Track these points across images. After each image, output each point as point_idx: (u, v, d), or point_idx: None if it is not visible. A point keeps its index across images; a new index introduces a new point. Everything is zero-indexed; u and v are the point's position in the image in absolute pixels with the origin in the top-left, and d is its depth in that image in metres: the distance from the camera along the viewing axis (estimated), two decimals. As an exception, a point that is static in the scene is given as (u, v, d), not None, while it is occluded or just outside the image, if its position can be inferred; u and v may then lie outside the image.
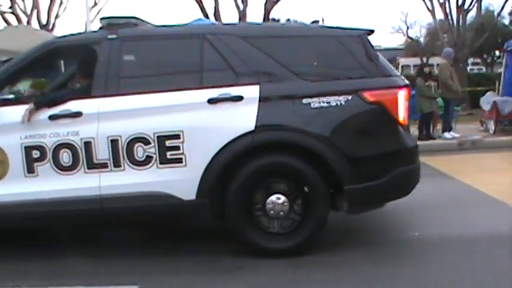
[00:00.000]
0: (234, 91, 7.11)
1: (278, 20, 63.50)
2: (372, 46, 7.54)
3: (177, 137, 7.04)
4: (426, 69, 18.93)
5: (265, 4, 30.66)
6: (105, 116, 7.17)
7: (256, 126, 6.98)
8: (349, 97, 7.08)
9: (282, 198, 7.14)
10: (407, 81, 7.78)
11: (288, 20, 67.27)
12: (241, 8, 30.53)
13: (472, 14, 34.89)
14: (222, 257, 7.29)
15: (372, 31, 7.86)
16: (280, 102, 7.14)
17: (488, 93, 21.66)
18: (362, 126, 7.25)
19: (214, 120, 7.07)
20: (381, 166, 7.19)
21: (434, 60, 49.86)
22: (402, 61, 58.19)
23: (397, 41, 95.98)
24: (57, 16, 37.19)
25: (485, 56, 57.91)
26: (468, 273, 6.46)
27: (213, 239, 8.18)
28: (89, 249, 8.02)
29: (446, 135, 18.23)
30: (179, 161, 7.07)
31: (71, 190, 7.16)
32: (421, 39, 67.12)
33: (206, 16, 28.92)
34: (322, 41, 7.61)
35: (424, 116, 18.16)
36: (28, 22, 35.85)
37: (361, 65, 7.37)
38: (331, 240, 7.77)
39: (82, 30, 29.02)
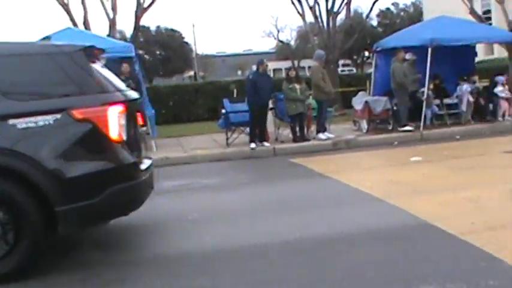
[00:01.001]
0: None
1: (148, 28, 63.28)
2: (88, 62, 7.37)
3: None
4: (291, 73, 19.06)
5: (136, 11, 30.28)
6: None
7: None
8: (58, 116, 6.88)
9: None
10: (130, 97, 7.73)
11: (158, 27, 67.12)
12: (111, 15, 30.04)
13: (342, 16, 35.55)
14: (100, 271, 7.06)
15: (91, 47, 7.75)
16: None
17: (360, 93, 22.08)
18: (72, 145, 6.98)
19: None
20: (95, 185, 7.01)
21: (306, 63, 50.76)
22: (272, 65, 58.84)
23: (269, 44, 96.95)
24: None
25: (355, 57, 59.55)
26: (351, 268, 6.53)
27: (91, 251, 7.98)
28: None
29: (321, 136, 18.44)
30: None
31: None
32: (292, 43, 68.22)
33: (75, 25, 28.33)
34: (33, 59, 7.33)
35: (292, 118, 18.27)
36: None
37: (74, 82, 7.18)
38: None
39: None
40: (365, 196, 10.31)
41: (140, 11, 30.19)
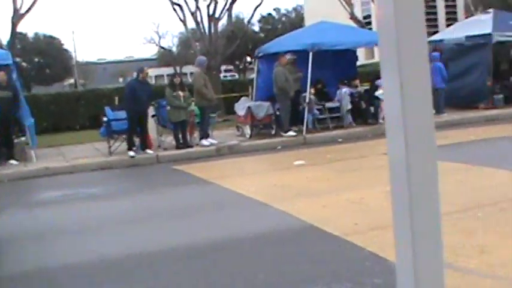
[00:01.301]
0: None
1: (25, 34, 61.80)
2: None
3: None
4: (176, 80, 18.91)
5: (12, 18, 29.50)
6: None
7: None
8: None
9: None
10: None
11: (36, 34, 65.76)
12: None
13: (224, 22, 35.63)
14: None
15: None
16: None
17: (242, 98, 22.13)
18: None
19: None
20: None
21: (188, 69, 50.74)
22: (154, 71, 58.34)
23: (150, 51, 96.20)
24: None
25: (237, 62, 59.80)
26: (239, 273, 6.53)
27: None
28: None
29: (204, 142, 18.36)
30: None
31: None
32: (174, 49, 67.96)
33: None
34: None
35: (174, 125, 18.11)
36: None
37: None
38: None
39: None
40: (250, 201, 10.31)
41: (17, 17, 29.42)
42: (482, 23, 23.31)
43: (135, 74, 19.33)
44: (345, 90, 20.08)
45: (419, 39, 1.58)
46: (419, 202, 1.66)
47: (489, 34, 21.91)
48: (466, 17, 38.84)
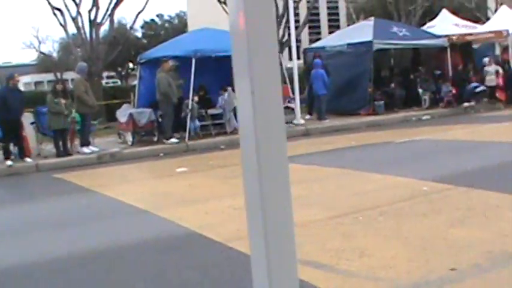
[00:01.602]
0: None
1: None
2: None
3: None
4: (59, 86, 18.47)
5: None
6: None
7: None
8: None
9: None
10: None
11: None
12: None
13: (106, 27, 35.10)
14: None
15: None
16: None
17: (124, 105, 21.90)
18: None
19: None
20: None
21: (69, 75, 49.92)
22: (34, 77, 56.87)
23: (30, 56, 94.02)
24: None
25: (119, 69, 59.13)
26: (119, 282, 6.46)
27: None
28: None
29: (85, 149, 18.01)
30: None
31: None
32: (54, 54, 66.61)
33: None
34: None
35: (55, 132, 17.71)
36: None
37: None
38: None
39: None
40: (132, 209, 10.19)
41: None
42: (363, 31, 23.96)
43: (4, 82, 18.70)
44: (227, 94, 19.97)
45: (270, 47, 1.58)
46: (271, 204, 1.68)
47: (370, 42, 22.51)
48: (348, 25, 39.69)
